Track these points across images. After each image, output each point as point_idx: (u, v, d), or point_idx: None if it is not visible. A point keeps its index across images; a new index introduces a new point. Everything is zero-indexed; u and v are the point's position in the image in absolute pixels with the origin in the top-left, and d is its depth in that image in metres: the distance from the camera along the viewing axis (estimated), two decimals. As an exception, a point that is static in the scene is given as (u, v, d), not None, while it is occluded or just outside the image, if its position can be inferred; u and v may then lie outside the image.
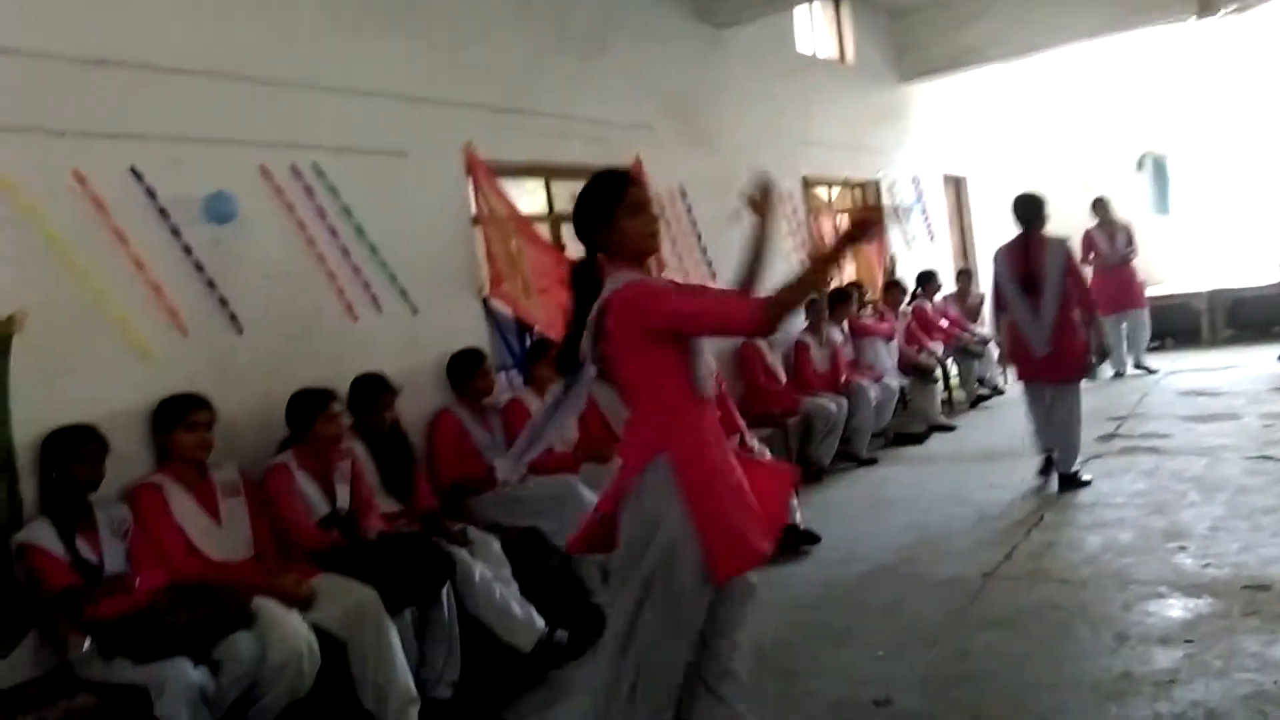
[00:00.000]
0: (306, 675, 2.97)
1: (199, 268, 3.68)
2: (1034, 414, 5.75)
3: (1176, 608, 3.64)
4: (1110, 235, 9.33)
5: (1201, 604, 3.63)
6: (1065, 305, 5.49)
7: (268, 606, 3.03)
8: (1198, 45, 10.84)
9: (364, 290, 4.34)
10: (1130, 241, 9.34)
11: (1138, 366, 9.34)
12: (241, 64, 3.93)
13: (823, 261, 2.34)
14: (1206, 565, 4.03)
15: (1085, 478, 5.57)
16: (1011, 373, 6.48)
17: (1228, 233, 11.30)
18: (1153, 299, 11.26)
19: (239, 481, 3.46)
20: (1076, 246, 6.95)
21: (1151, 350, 10.64)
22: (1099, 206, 9.48)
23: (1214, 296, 10.75)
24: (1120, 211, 9.61)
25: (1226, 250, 11.21)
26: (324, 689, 3.05)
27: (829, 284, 7.29)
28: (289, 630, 2.98)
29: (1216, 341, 10.56)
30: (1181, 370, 9.11)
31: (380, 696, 3.18)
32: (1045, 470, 5.76)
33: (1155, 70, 11.52)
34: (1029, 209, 5.71)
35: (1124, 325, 9.22)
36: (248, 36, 3.98)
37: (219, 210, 3.68)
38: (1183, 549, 4.26)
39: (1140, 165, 11.83)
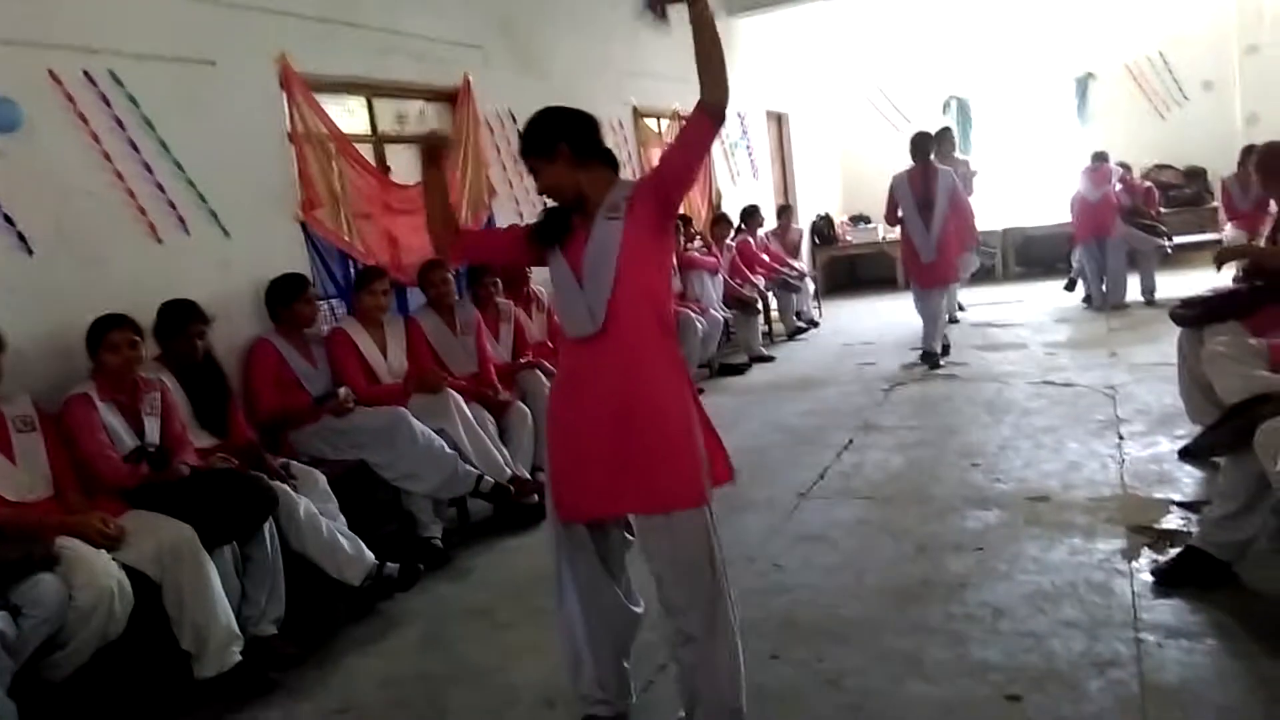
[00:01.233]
0: (118, 617, 2.82)
1: (-21, 182, 3.33)
2: (921, 311, 7.21)
3: (969, 519, 3.98)
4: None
5: (990, 515, 4.00)
6: (947, 222, 6.98)
7: (72, 547, 2.84)
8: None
9: (170, 211, 4.04)
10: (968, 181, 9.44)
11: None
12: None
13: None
14: (995, 480, 4.42)
15: (941, 362, 7.10)
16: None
17: (1021, 174, 12.18)
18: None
19: (34, 415, 3.19)
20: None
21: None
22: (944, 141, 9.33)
23: (1007, 235, 11.59)
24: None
25: (1020, 191, 12.09)
26: (138, 631, 2.91)
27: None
28: (96, 571, 2.81)
29: (1009, 276, 11.41)
30: (977, 304, 9.81)
31: (199, 636, 3.07)
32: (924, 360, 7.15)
33: (961, 17, 12.14)
34: (924, 143, 7.07)
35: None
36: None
37: (1, 118, 3.32)
38: (975, 466, 4.65)
39: (946, 108, 12.54)
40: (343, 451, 4.20)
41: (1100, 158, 8.98)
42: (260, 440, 3.97)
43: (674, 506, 2.39)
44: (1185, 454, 4.31)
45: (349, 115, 5.36)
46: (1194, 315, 3.92)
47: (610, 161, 2.52)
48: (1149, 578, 3.21)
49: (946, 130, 9.52)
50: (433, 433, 4.24)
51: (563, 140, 2.45)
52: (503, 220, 5.94)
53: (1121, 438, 4.80)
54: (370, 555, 3.73)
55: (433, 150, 2.71)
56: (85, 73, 3.72)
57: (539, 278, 5.82)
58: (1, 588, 2.63)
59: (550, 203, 2.56)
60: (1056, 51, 11.81)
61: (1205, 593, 3.05)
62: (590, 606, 2.59)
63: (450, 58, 5.84)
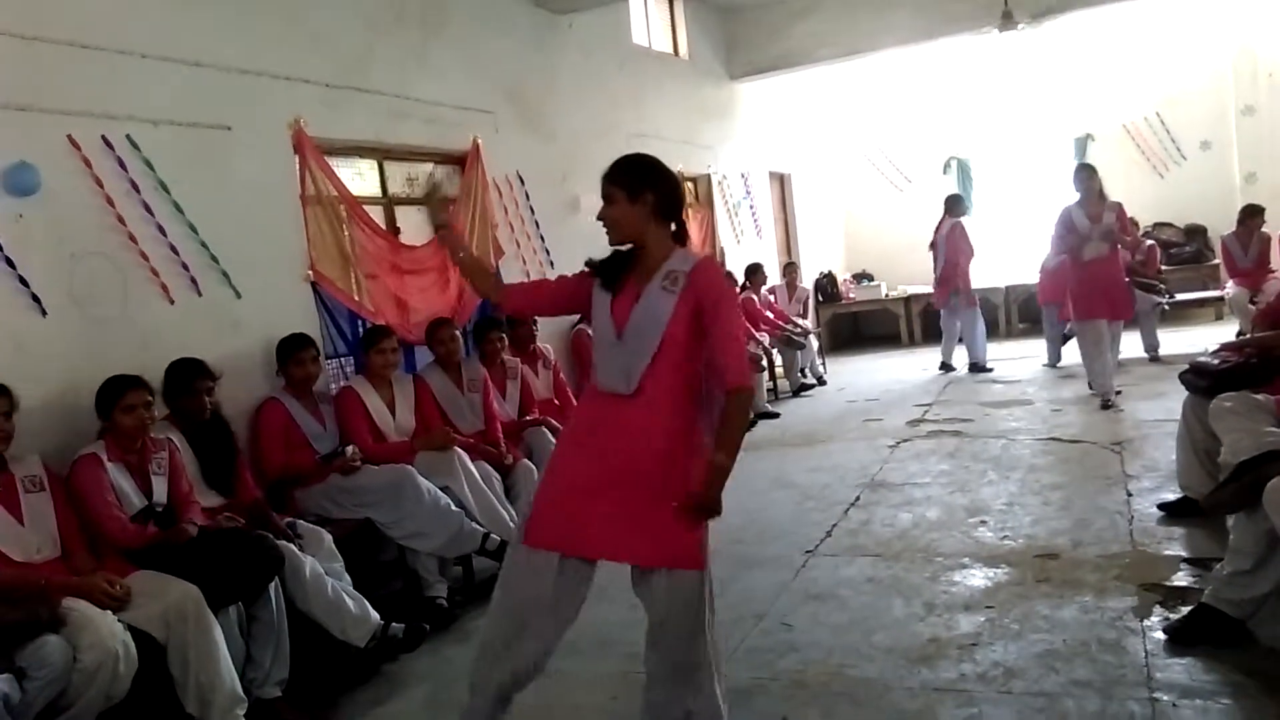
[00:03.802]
0: (122, 678, 2.79)
1: (-3, 244, 3.39)
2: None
3: (978, 577, 3.95)
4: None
5: (1000, 573, 3.96)
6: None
7: (78, 608, 2.83)
8: (997, 58, 11.71)
9: (182, 272, 4.10)
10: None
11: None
12: (48, 24, 3.62)
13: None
14: (1004, 538, 4.39)
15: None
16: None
17: (1022, 232, 12.28)
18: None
19: (42, 475, 3.20)
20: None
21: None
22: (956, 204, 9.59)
23: (1010, 291, 11.66)
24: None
25: (1021, 248, 12.17)
26: (143, 692, 2.88)
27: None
28: (102, 632, 2.79)
29: (1012, 333, 11.45)
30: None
31: (203, 698, 3.04)
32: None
33: (961, 79, 12.36)
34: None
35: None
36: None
37: (19, 182, 3.40)
38: (983, 523, 4.63)
39: (946, 168, 12.71)
40: (349, 510, 4.19)
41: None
42: (267, 499, 3.97)
43: (677, 564, 2.43)
44: (1166, 509, 4.38)
45: (360, 178, 5.46)
46: (1205, 386, 3.92)
47: (679, 232, 2.59)
48: (1162, 636, 3.18)
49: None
50: (439, 491, 4.24)
51: (652, 190, 2.52)
52: (510, 277, 5.99)
53: (1130, 494, 4.78)
54: (375, 615, 3.70)
55: (438, 212, 2.81)
56: (103, 138, 3.80)
57: (544, 334, 5.87)
58: (7, 649, 2.62)
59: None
60: (1055, 112, 11.99)
61: (1219, 651, 3.01)
62: (509, 634, 2.53)
63: (460, 122, 5.96)
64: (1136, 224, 8.97)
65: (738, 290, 8.68)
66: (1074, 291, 7.18)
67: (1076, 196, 7.02)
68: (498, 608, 2.58)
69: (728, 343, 2.43)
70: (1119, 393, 7.01)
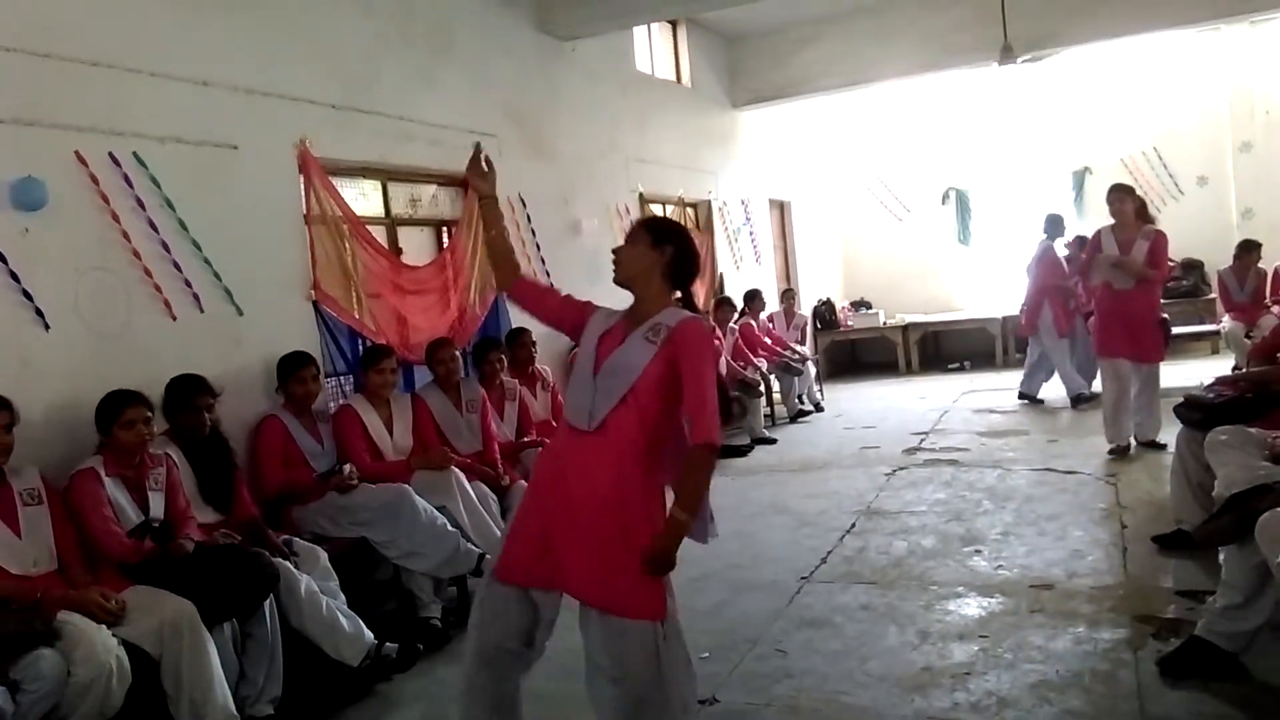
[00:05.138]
0: (115, 693, 2.80)
1: (1, 258, 3.41)
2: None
3: (972, 606, 3.96)
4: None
5: (994, 603, 3.97)
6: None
7: (73, 622, 2.83)
8: (997, 90, 11.83)
9: (185, 289, 4.12)
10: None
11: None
12: (57, 41, 3.66)
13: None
14: (998, 567, 4.40)
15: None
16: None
17: (1020, 264, 12.34)
18: (955, 324, 12.18)
19: (41, 488, 3.20)
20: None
21: (951, 371, 11.57)
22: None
23: (1007, 322, 11.71)
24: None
25: (1018, 280, 12.24)
26: (136, 707, 2.88)
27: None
28: (96, 646, 2.80)
29: (1009, 363, 11.47)
30: (978, 390, 9.86)
31: (197, 714, 3.03)
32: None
33: (960, 111, 12.47)
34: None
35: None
36: (66, 11, 3.72)
37: (26, 197, 3.42)
38: (978, 553, 4.63)
39: (945, 199, 12.80)
40: (345, 529, 4.19)
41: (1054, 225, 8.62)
42: (264, 516, 3.98)
43: (625, 614, 2.43)
44: (1160, 541, 4.39)
45: (364, 198, 5.51)
46: (1199, 419, 3.95)
47: (683, 299, 2.66)
48: (1155, 668, 3.18)
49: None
50: (435, 511, 4.25)
51: (675, 247, 2.61)
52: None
53: (1124, 526, 4.79)
54: (369, 635, 3.70)
55: (481, 182, 2.92)
56: (110, 154, 3.83)
57: (542, 357, 5.89)
58: (1, 662, 2.62)
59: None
60: (1054, 145, 12.08)
61: (1211, 684, 3.02)
62: (482, 674, 2.58)
63: (464, 144, 5.96)
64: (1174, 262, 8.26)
65: (734, 321, 8.72)
66: (1094, 323, 6.54)
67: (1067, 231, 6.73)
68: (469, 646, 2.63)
69: (700, 400, 2.44)
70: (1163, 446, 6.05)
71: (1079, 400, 8.23)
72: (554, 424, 5.57)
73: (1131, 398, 6.27)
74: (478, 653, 2.59)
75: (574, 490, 2.50)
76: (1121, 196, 6.25)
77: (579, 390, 2.58)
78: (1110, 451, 6.28)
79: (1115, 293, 6.22)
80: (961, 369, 11.66)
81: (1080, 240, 8.52)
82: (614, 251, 2.67)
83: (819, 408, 9.73)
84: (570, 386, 2.66)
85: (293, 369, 4.34)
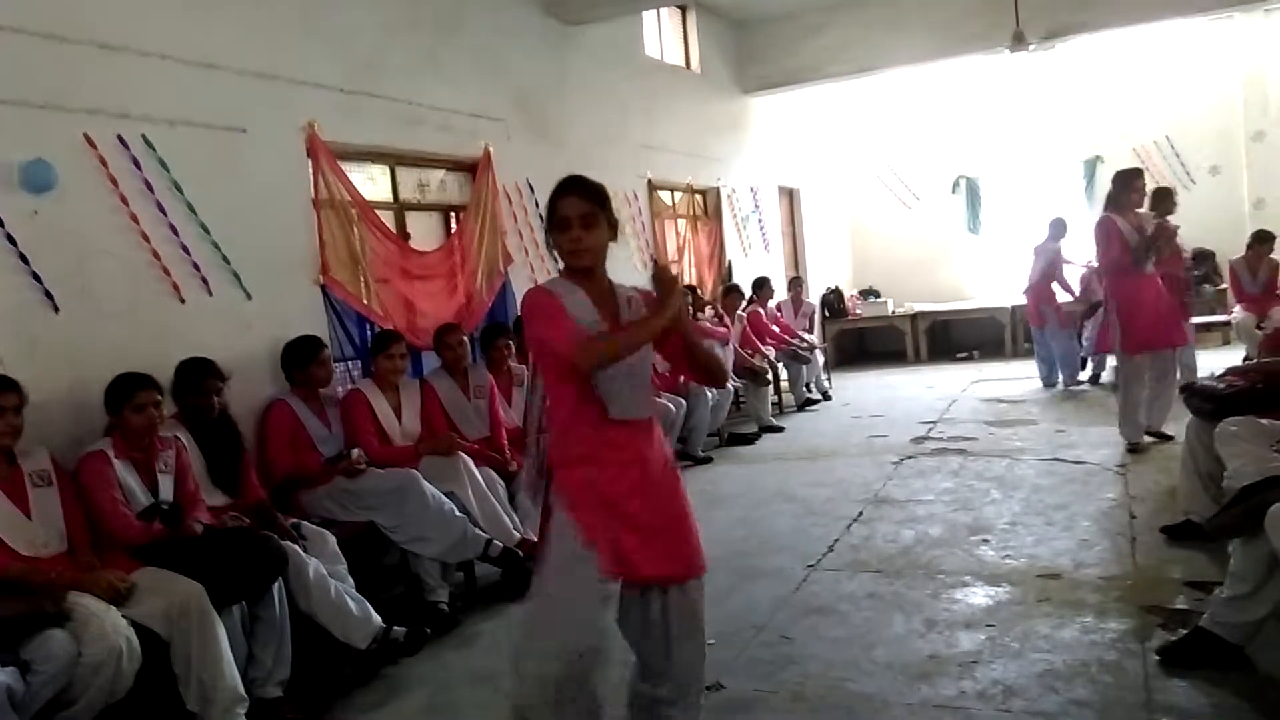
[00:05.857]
0: (125, 674, 2.82)
1: (11, 240, 3.42)
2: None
3: (979, 595, 3.95)
4: None
5: (1001, 592, 3.96)
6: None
7: (83, 603, 2.85)
8: (1008, 78, 11.75)
9: (193, 272, 4.14)
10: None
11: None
12: (67, 23, 3.66)
13: (644, 330, 2.35)
14: (1006, 557, 4.39)
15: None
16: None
17: (1029, 252, 12.29)
18: (964, 313, 12.14)
19: (50, 470, 3.23)
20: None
21: (959, 360, 11.54)
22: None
23: (1016, 312, 11.66)
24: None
25: (1027, 268, 12.19)
26: (145, 688, 2.90)
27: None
28: (106, 627, 2.82)
29: (1018, 353, 11.45)
30: (986, 380, 9.83)
31: (205, 696, 3.06)
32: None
33: (971, 99, 12.40)
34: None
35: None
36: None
37: (35, 179, 3.43)
38: (985, 542, 4.63)
39: (955, 187, 12.74)
40: (353, 513, 4.21)
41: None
42: (272, 500, 3.99)
43: (701, 572, 2.53)
44: (1168, 531, 4.38)
45: (372, 183, 5.50)
46: (1210, 410, 3.93)
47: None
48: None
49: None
50: (443, 496, 4.26)
51: (605, 212, 2.41)
52: (519, 285, 6.02)
53: (1133, 516, 4.78)
54: (377, 618, 3.72)
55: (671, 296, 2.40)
56: (119, 137, 3.84)
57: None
58: (12, 642, 2.64)
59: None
60: (1065, 134, 12.01)
61: (1219, 675, 3.01)
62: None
63: (472, 129, 6.00)
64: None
65: (742, 309, 8.69)
66: (1116, 321, 6.10)
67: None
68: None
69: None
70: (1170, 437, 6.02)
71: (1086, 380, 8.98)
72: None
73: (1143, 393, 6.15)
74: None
75: (653, 478, 2.46)
76: (1125, 181, 6.18)
77: (623, 385, 2.40)
78: (1129, 449, 6.11)
79: (1139, 281, 6.02)
80: (970, 358, 11.63)
81: (1061, 222, 9.24)
82: (574, 241, 2.34)
83: (827, 396, 9.72)
84: (608, 389, 2.38)
85: (313, 352, 4.36)
